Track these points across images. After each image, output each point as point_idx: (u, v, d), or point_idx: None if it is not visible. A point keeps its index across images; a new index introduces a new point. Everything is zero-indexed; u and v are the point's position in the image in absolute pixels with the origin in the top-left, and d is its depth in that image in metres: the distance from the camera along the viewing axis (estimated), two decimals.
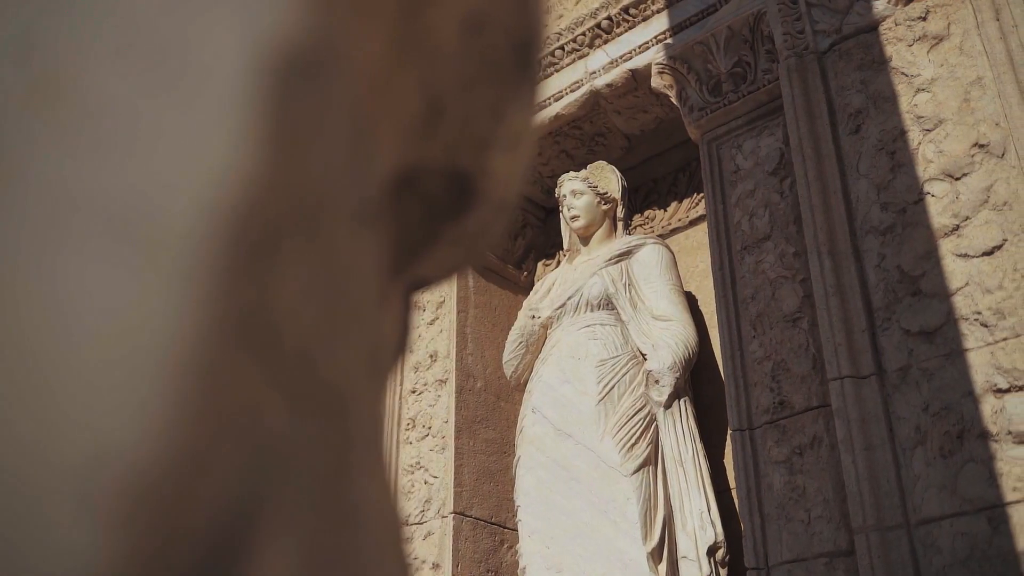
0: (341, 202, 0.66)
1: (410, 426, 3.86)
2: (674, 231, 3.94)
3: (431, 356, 3.92)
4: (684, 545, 2.98)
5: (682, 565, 2.97)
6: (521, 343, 3.60)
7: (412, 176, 0.69)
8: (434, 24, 0.65)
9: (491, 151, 0.71)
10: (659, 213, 4.04)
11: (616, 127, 3.94)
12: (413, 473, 3.75)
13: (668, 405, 3.16)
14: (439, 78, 0.66)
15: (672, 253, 3.58)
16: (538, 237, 4.32)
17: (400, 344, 0.80)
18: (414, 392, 3.91)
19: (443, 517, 3.55)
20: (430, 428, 3.79)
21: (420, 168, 0.69)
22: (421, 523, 3.62)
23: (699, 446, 3.14)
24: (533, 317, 3.58)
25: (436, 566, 3.49)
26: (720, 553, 2.96)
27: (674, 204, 3.99)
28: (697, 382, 3.42)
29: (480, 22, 0.65)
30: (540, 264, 4.32)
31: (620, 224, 3.69)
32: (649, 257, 3.47)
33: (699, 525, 2.97)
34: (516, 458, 3.43)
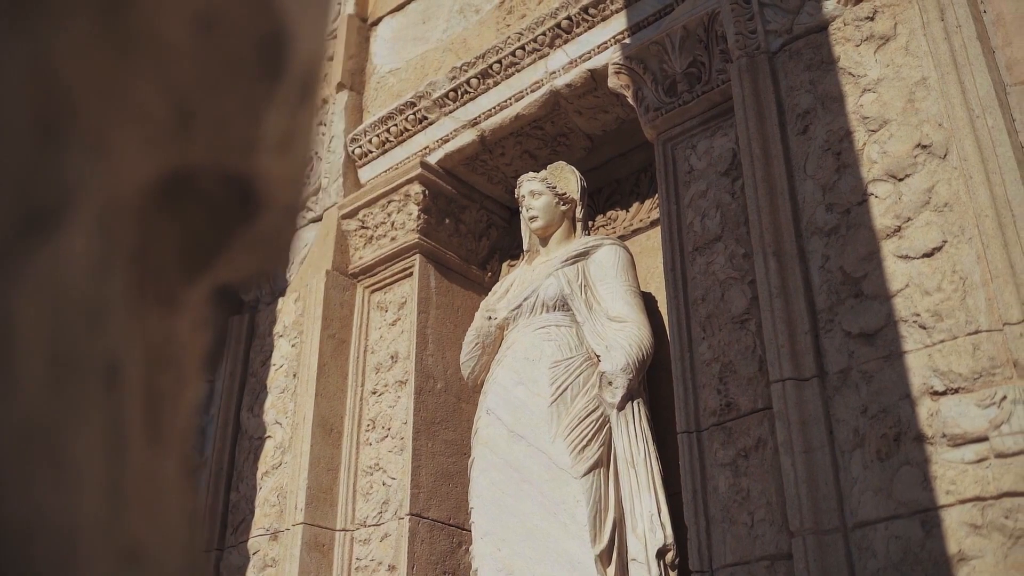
0: (79, 206, 0.63)
1: (370, 427, 3.84)
2: (635, 232, 3.92)
3: (392, 357, 3.91)
4: (634, 547, 2.97)
5: (632, 567, 2.95)
6: (477, 344, 3.59)
7: (183, 180, 0.67)
8: (163, 23, 0.63)
9: (259, 154, 0.70)
10: (621, 214, 4.02)
11: (578, 127, 3.93)
12: (372, 474, 3.73)
13: (621, 407, 3.14)
14: (179, 79, 0.64)
15: (630, 254, 3.56)
16: (503, 238, 4.30)
17: (213, 346, 0.78)
18: (375, 393, 3.90)
19: (399, 519, 3.54)
20: (389, 429, 3.77)
21: (188, 172, 0.67)
22: (378, 525, 3.61)
23: (651, 448, 3.12)
24: (489, 318, 3.56)
25: (392, 568, 3.48)
26: (670, 556, 2.94)
27: (636, 205, 3.98)
28: (654, 383, 3.40)
29: (211, 20, 0.63)
30: (505, 265, 4.30)
31: (579, 225, 3.67)
32: (606, 258, 3.46)
33: (649, 527, 2.95)
34: (471, 459, 3.42)
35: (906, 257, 2.45)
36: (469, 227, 4.21)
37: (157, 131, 0.61)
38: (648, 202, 3.93)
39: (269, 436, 3.97)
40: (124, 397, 0.60)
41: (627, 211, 4.00)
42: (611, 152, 4.05)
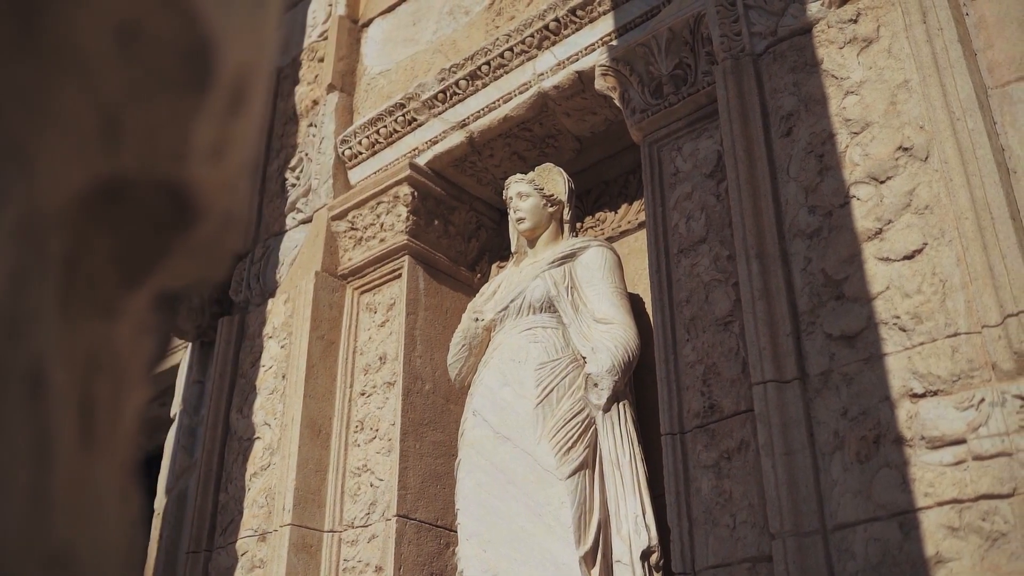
0: None
1: (358, 428, 3.84)
2: (623, 233, 3.93)
3: (380, 358, 3.91)
4: (619, 549, 2.97)
5: (616, 569, 2.96)
6: (464, 346, 3.59)
7: (117, 189, 0.68)
8: (83, 35, 0.63)
9: (191, 162, 0.70)
10: (610, 215, 4.03)
11: (566, 129, 3.93)
12: (360, 476, 3.74)
13: (607, 408, 3.14)
14: (105, 90, 0.65)
15: (617, 256, 3.56)
16: (492, 239, 4.30)
17: (158, 349, 0.78)
18: (363, 394, 3.90)
19: (387, 520, 3.54)
20: (377, 431, 3.77)
21: (121, 181, 0.68)
22: (366, 526, 3.61)
23: (637, 449, 3.13)
24: (476, 320, 3.56)
25: (379, 569, 3.48)
26: (654, 557, 2.94)
27: (624, 206, 3.98)
28: (640, 385, 3.40)
29: (134, 32, 0.64)
30: (495, 266, 4.31)
31: (567, 226, 3.68)
32: (592, 260, 3.46)
33: (634, 529, 2.96)
34: (457, 461, 3.42)
35: (887, 259, 2.45)
36: (458, 228, 4.22)
37: (84, 141, 0.61)
38: (636, 204, 3.93)
39: (258, 437, 3.97)
40: (52, 405, 0.60)
41: (615, 213, 4.01)
42: (600, 154, 4.06)
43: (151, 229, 0.67)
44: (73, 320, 0.64)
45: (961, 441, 2.16)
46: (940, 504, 2.14)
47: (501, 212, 4.23)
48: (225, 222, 0.77)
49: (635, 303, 3.56)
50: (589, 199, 4.09)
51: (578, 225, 4.02)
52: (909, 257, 2.42)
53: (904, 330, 2.35)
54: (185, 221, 0.69)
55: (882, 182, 2.54)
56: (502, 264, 4.28)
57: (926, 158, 2.49)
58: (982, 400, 2.16)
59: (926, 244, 2.40)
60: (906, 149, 2.53)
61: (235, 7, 0.66)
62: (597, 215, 4.07)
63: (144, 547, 3.90)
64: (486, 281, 4.11)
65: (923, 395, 2.26)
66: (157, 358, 0.77)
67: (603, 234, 3.97)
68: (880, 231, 2.49)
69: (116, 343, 0.67)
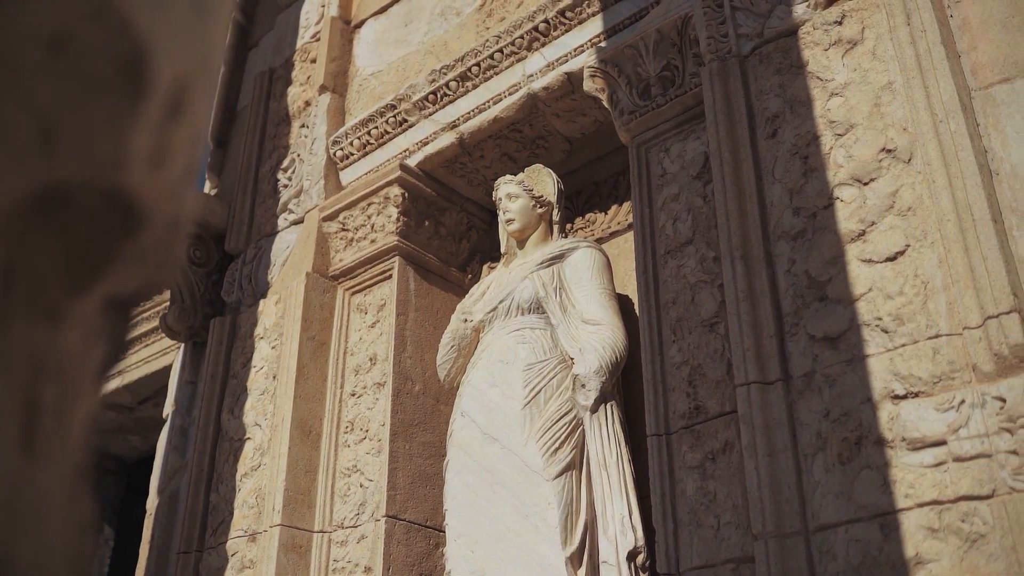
0: None
1: (348, 429, 3.85)
2: (613, 234, 3.93)
3: (371, 359, 3.92)
4: (605, 550, 2.97)
5: (603, 570, 2.96)
6: (453, 346, 3.60)
7: (59, 196, 0.69)
8: (14, 44, 0.64)
9: (130, 169, 0.71)
10: (600, 216, 4.03)
11: (556, 130, 3.93)
12: (349, 476, 3.74)
13: (594, 409, 3.15)
14: (39, 98, 0.65)
15: (606, 257, 3.57)
16: (483, 240, 4.31)
17: (109, 354, 0.79)
18: (353, 395, 3.91)
19: (376, 520, 3.54)
20: (367, 431, 3.78)
21: (62, 188, 0.69)
22: (356, 526, 3.62)
23: (624, 450, 3.13)
24: (465, 320, 3.57)
25: (368, 569, 3.49)
26: (640, 558, 2.95)
27: (614, 207, 3.99)
28: (629, 386, 3.41)
29: (66, 41, 0.64)
30: (486, 267, 4.31)
31: (556, 227, 3.68)
32: (581, 260, 3.47)
33: (620, 530, 2.96)
34: (446, 461, 3.43)
35: (870, 261, 2.46)
36: (449, 229, 4.22)
37: (21, 149, 0.62)
38: (626, 205, 3.93)
39: (249, 438, 3.98)
40: None
41: (605, 213, 4.01)
42: (590, 155, 4.06)
43: (95, 235, 0.68)
44: (15, 326, 0.64)
45: (941, 443, 2.16)
46: (920, 505, 2.14)
47: (492, 213, 4.24)
48: (171, 228, 0.77)
49: (624, 304, 3.57)
50: (580, 200, 4.10)
51: (568, 226, 4.03)
52: (892, 259, 2.42)
53: (886, 331, 2.36)
54: (129, 227, 0.69)
55: (865, 184, 2.55)
56: (493, 265, 4.28)
57: (909, 160, 2.49)
58: (962, 402, 2.16)
59: (908, 246, 2.40)
60: (889, 151, 2.53)
61: (171, 16, 0.67)
62: (587, 216, 4.07)
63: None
64: (477, 282, 4.12)
65: (904, 396, 2.26)
66: (109, 363, 0.78)
67: (593, 235, 3.98)
68: (863, 233, 2.50)
69: (63, 348, 0.67)
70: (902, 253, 2.41)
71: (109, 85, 0.64)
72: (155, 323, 5.14)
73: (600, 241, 3.88)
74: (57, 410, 0.68)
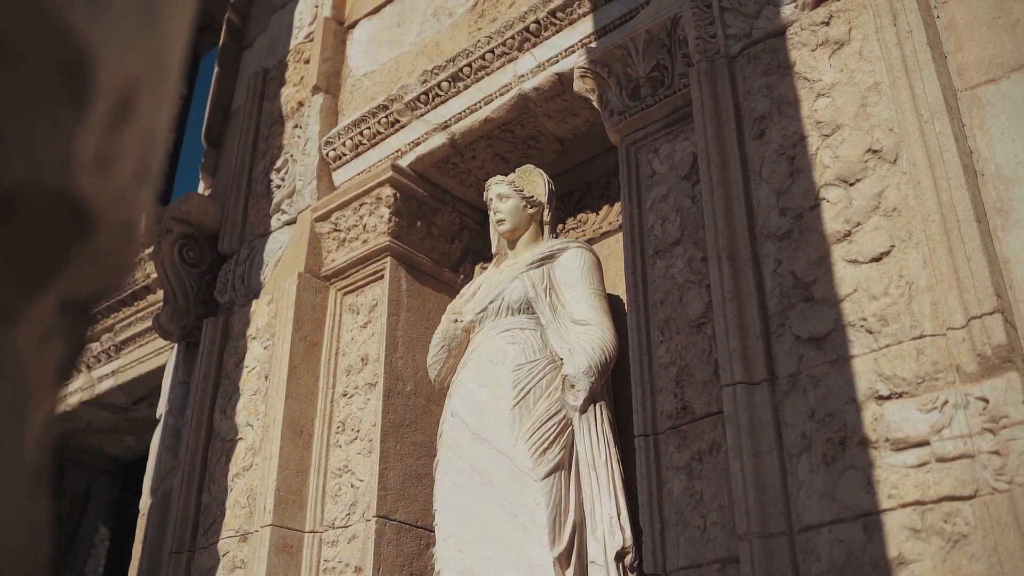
0: None
1: (340, 429, 3.85)
2: (605, 235, 3.93)
3: (362, 359, 3.92)
4: (593, 550, 2.98)
5: (591, 570, 2.96)
6: (443, 347, 3.60)
7: (7, 200, 0.69)
8: None
9: (78, 173, 0.71)
10: (591, 216, 4.03)
11: (548, 130, 3.94)
12: (341, 476, 3.75)
13: (584, 409, 3.15)
14: None
15: (596, 257, 3.57)
16: (476, 240, 4.31)
17: (67, 356, 0.79)
18: (345, 395, 3.91)
19: (367, 520, 3.55)
20: (358, 432, 3.78)
21: (10, 192, 0.69)
22: (346, 527, 3.62)
23: (613, 451, 3.13)
24: (455, 321, 3.57)
25: (359, 569, 3.49)
26: (629, 558, 2.95)
27: (606, 208, 3.99)
28: (619, 387, 3.41)
29: (4, 47, 0.65)
30: (478, 267, 4.31)
31: (547, 228, 3.68)
32: (571, 261, 3.47)
33: (608, 530, 2.96)
34: (435, 462, 3.43)
35: (855, 262, 2.46)
36: (441, 230, 4.22)
37: None
38: (618, 205, 3.93)
39: (241, 438, 3.99)
40: None
41: (597, 214, 4.01)
42: (582, 155, 4.06)
43: (45, 238, 0.68)
44: None
45: (925, 443, 2.17)
46: (903, 506, 2.15)
47: (484, 213, 4.24)
48: (122, 231, 0.78)
49: (614, 304, 3.57)
50: (571, 200, 4.10)
51: (560, 226, 4.03)
52: (877, 259, 2.42)
53: (871, 332, 2.36)
54: (79, 230, 0.70)
55: (851, 184, 2.55)
56: (485, 265, 4.28)
57: (895, 160, 2.50)
58: (946, 402, 2.17)
59: (893, 246, 2.41)
60: (875, 151, 2.54)
61: (115, 20, 0.67)
62: (579, 216, 4.08)
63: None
64: (469, 282, 4.12)
65: (888, 397, 2.27)
66: (67, 365, 0.78)
67: (585, 235, 3.98)
68: (849, 233, 2.50)
69: (17, 350, 0.68)
70: (887, 254, 2.41)
71: (51, 89, 0.64)
72: (149, 323, 5.14)
73: (591, 241, 3.88)
74: (12, 412, 0.68)
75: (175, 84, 0.83)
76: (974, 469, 2.08)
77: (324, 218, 4.21)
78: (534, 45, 3.75)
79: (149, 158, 0.77)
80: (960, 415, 2.13)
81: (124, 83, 0.69)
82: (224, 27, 5.53)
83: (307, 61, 4.82)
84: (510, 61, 3.81)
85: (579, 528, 3.05)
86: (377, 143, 4.23)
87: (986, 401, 2.11)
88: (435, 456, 3.53)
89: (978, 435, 2.10)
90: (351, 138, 4.30)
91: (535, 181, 3.70)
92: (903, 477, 2.17)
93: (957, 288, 2.24)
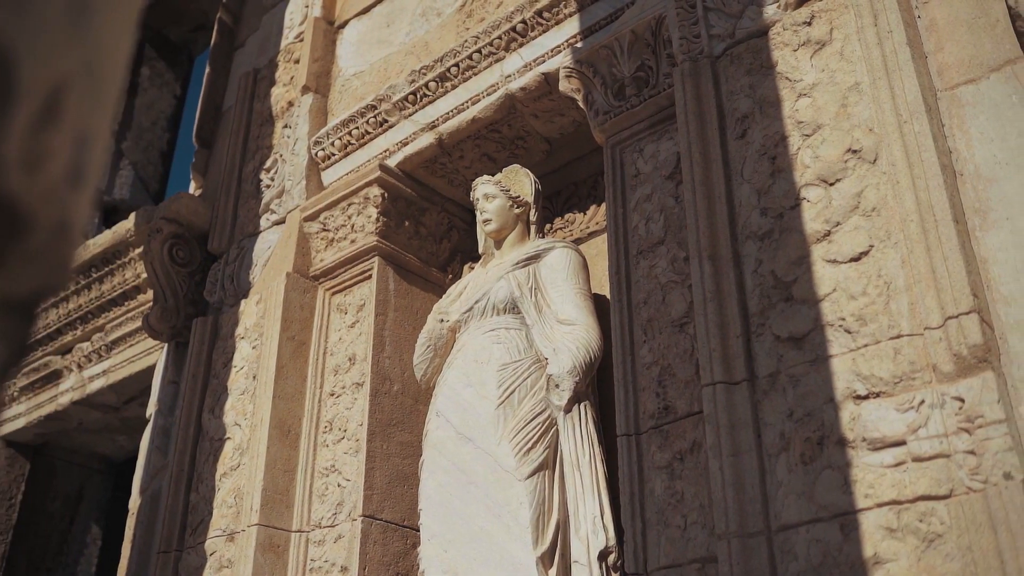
0: None
1: (327, 429, 3.86)
2: (592, 234, 3.94)
3: (350, 359, 3.92)
4: (576, 549, 2.98)
5: (574, 569, 2.97)
6: (429, 347, 3.60)
7: None
8: None
9: (6, 173, 0.71)
10: (579, 216, 4.04)
11: (535, 130, 3.94)
12: (328, 476, 3.75)
13: (568, 409, 3.15)
14: None
15: (582, 257, 3.57)
16: (464, 240, 4.31)
17: (7, 357, 0.80)
18: (332, 395, 3.91)
19: (353, 520, 3.55)
20: (345, 431, 3.79)
21: None
22: (333, 526, 3.62)
23: (597, 450, 3.14)
24: (441, 321, 3.58)
25: (344, 569, 3.49)
26: (612, 558, 2.95)
27: (593, 208, 3.99)
28: (604, 387, 3.41)
29: None
30: (467, 267, 4.31)
31: (533, 227, 3.69)
32: (556, 261, 3.47)
33: (592, 529, 2.97)
34: (421, 461, 3.43)
35: (834, 262, 2.46)
36: (430, 229, 4.23)
37: None
38: (604, 205, 3.94)
39: (228, 438, 3.99)
40: None
41: (584, 214, 4.02)
42: (569, 155, 4.06)
43: None
44: None
45: (901, 443, 2.17)
46: (879, 505, 2.15)
47: (473, 213, 4.23)
48: (57, 231, 0.78)
49: (601, 304, 3.57)
50: (559, 200, 4.10)
51: (548, 226, 4.04)
52: (856, 259, 2.43)
53: (849, 332, 2.36)
54: (11, 231, 0.70)
55: (831, 184, 2.55)
56: (475, 264, 4.28)
57: (875, 160, 2.50)
58: (922, 402, 2.17)
59: (872, 246, 2.41)
60: (855, 151, 2.54)
61: (40, 21, 0.67)
62: (567, 216, 4.08)
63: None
64: (457, 281, 4.12)
65: (866, 397, 2.27)
66: (8, 366, 0.78)
67: (572, 235, 3.98)
68: (828, 233, 2.50)
69: None
70: (866, 253, 2.41)
71: None
72: (139, 323, 5.15)
73: (579, 241, 3.89)
74: None
75: (113, 85, 0.83)
76: (950, 469, 2.08)
77: (313, 218, 4.21)
78: (521, 45, 3.75)
79: (82, 159, 0.77)
80: (936, 415, 2.14)
81: (51, 84, 0.69)
82: (216, 27, 5.54)
83: (297, 61, 4.82)
84: (497, 61, 3.81)
85: (563, 528, 3.06)
86: (366, 143, 4.24)
87: (962, 401, 2.12)
88: (421, 456, 3.53)
89: (954, 435, 2.10)
90: (340, 138, 4.31)
91: (521, 181, 3.70)
92: (880, 477, 2.17)
93: (934, 288, 2.24)
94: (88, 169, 0.80)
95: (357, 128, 4.23)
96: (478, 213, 3.72)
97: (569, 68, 3.42)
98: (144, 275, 4.96)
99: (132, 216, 5.28)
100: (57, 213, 0.76)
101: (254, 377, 4.01)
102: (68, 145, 0.74)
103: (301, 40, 4.85)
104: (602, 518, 2.99)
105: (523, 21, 3.72)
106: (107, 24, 0.79)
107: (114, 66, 0.82)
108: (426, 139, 4.01)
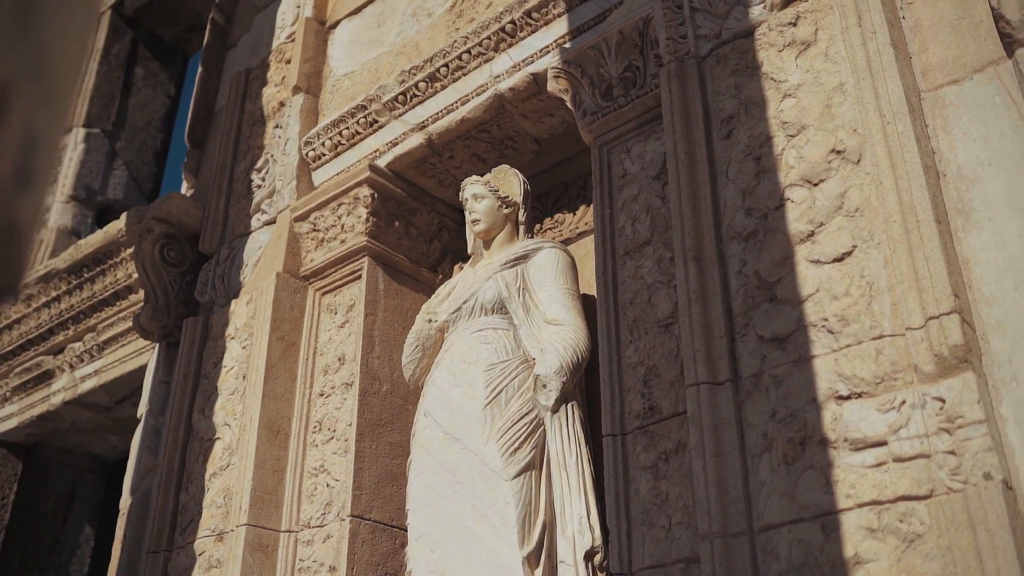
0: None
1: (317, 429, 3.86)
2: (581, 235, 3.94)
3: (339, 359, 3.92)
4: (563, 550, 2.98)
5: (560, 569, 2.97)
6: (418, 347, 3.60)
7: None
8: None
9: None
10: (568, 217, 4.04)
11: (524, 131, 3.94)
12: (317, 476, 3.75)
13: (555, 409, 3.16)
14: None
15: (571, 257, 3.57)
16: (454, 240, 4.31)
17: None
18: (322, 395, 3.91)
19: (341, 520, 3.55)
20: (335, 431, 3.79)
21: None
22: (321, 526, 3.62)
23: (584, 450, 3.14)
24: (430, 321, 3.58)
25: (333, 569, 3.50)
26: (598, 558, 2.95)
27: (582, 208, 3.99)
28: (592, 387, 3.41)
29: None
30: (457, 267, 4.31)
31: (522, 228, 3.69)
32: (544, 261, 3.47)
33: (578, 529, 2.97)
34: (408, 461, 3.44)
35: (817, 262, 2.46)
36: (420, 230, 4.23)
37: None
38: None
39: (218, 438, 3.99)
40: None
41: (574, 214, 4.02)
42: (559, 155, 4.07)
43: None
44: None
45: (882, 443, 2.17)
46: (860, 506, 2.15)
47: (463, 213, 4.24)
48: (7, 232, 0.78)
49: (589, 305, 3.57)
50: (549, 200, 4.11)
51: (537, 226, 4.04)
52: (839, 260, 2.43)
53: (832, 332, 2.36)
54: None
55: (815, 185, 2.55)
56: (464, 265, 4.28)
57: (858, 161, 2.50)
58: (903, 402, 2.17)
59: (855, 247, 2.41)
60: (839, 152, 2.54)
61: None
62: (556, 216, 4.08)
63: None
64: (446, 282, 4.12)
65: (848, 397, 2.27)
66: None
67: (561, 235, 3.98)
68: (812, 234, 2.50)
69: None
70: (849, 254, 2.41)
71: None
72: (131, 323, 5.15)
73: (568, 241, 3.89)
74: None
75: (65, 88, 0.83)
76: (930, 469, 2.08)
77: (303, 218, 4.21)
78: (510, 45, 3.75)
79: (30, 160, 0.77)
80: (917, 415, 2.14)
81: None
82: (208, 27, 5.53)
83: (288, 61, 4.82)
84: (486, 61, 3.81)
85: (549, 528, 3.06)
86: (356, 143, 4.24)
87: (943, 401, 2.12)
88: (409, 456, 3.53)
89: (934, 435, 2.10)
90: (330, 138, 4.31)
91: (510, 181, 3.71)
92: (861, 477, 2.18)
93: (916, 288, 2.24)
94: (37, 171, 0.80)
95: (347, 128, 4.24)
96: (467, 213, 3.73)
97: (557, 68, 3.42)
98: (136, 275, 4.96)
99: (124, 216, 5.27)
100: (5, 214, 0.76)
101: (244, 377, 4.01)
102: (13, 146, 0.74)
103: (293, 40, 4.85)
104: (588, 518, 2.99)
105: (512, 21, 3.72)
106: (57, 29, 0.79)
107: (64, 70, 0.82)
108: (416, 139, 4.01)
